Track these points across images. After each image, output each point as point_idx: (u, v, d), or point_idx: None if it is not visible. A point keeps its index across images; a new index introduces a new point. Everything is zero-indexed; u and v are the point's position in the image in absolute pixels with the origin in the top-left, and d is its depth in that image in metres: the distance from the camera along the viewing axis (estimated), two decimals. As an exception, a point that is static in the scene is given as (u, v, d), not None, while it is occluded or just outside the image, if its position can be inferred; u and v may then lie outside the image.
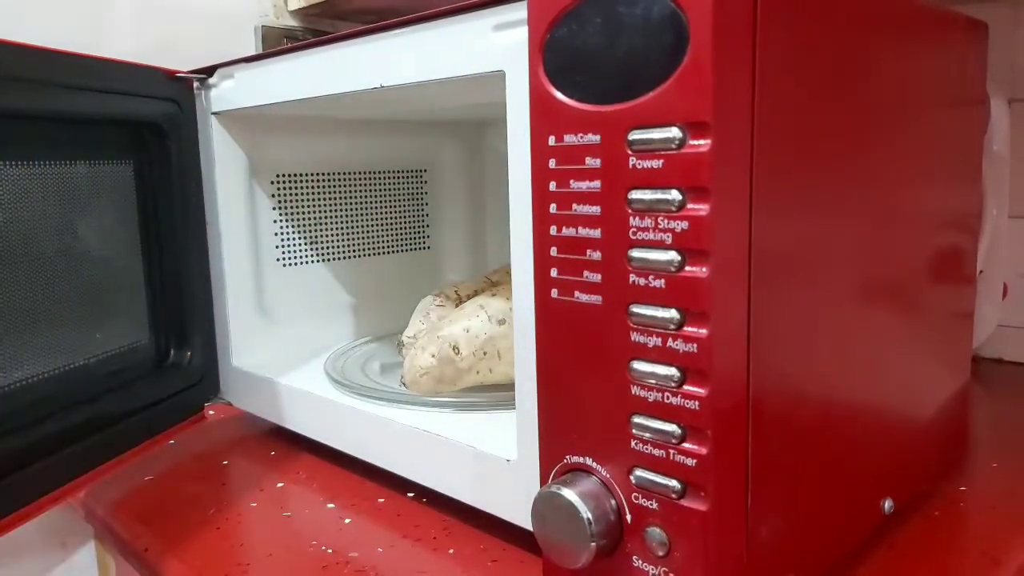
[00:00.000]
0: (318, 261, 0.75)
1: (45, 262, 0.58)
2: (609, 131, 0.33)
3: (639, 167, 0.32)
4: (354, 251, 0.78)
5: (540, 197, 0.36)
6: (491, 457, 0.45)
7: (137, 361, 0.60)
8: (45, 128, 0.58)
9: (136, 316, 0.64)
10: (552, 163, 0.36)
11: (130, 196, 0.63)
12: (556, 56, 0.35)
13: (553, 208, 0.36)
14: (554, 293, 0.36)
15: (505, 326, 0.55)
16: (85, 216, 0.60)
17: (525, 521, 0.39)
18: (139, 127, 0.63)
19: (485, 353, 0.55)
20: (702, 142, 0.30)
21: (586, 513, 0.35)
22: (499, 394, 0.55)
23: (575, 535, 0.35)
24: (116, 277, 0.63)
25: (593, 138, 0.34)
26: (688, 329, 0.32)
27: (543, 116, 0.36)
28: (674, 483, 0.33)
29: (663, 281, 0.32)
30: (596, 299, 0.35)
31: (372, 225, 0.80)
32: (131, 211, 0.64)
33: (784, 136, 0.34)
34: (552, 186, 0.36)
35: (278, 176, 0.71)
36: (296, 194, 0.73)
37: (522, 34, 0.37)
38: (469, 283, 0.68)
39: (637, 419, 0.34)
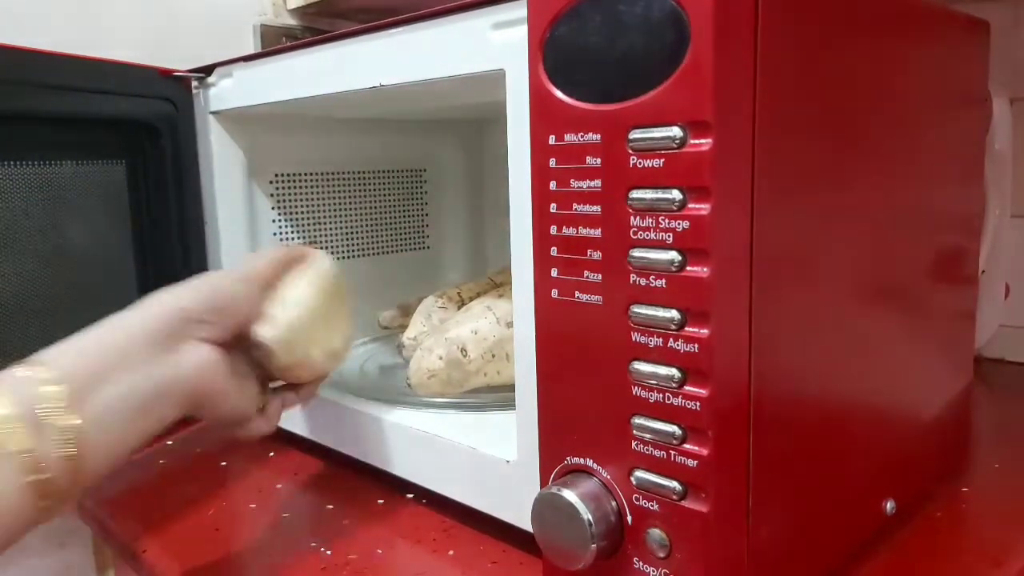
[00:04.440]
0: (317, 261, 0.75)
1: (32, 261, 0.58)
2: (609, 130, 0.33)
3: (640, 166, 0.32)
4: (353, 251, 0.78)
5: (540, 196, 0.36)
6: (491, 458, 0.45)
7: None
8: (33, 128, 0.58)
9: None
10: (552, 162, 0.35)
11: (122, 196, 0.63)
12: (556, 55, 0.35)
13: (553, 207, 0.36)
14: (554, 293, 0.36)
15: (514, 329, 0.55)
16: (73, 216, 0.60)
17: (525, 523, 0.39)
18: (132, 127, 0.63)
19: (494, 355, 0.55)
20: (703, 141, 0.30)
21: (586, 514, 0.35)
22: (499, 394, 0.55)
23: (575, 537, 0.35)
24: (107, 277, 0.63)
25: (593, 137, 0.34)
26: (689, 329, 0.32)
27: (543, 115, 0.36)
28: (675, 484, 0.33)
29: (664, 281, 0.32)
30: (597, 299, 0.35)
31: (371, 225, 0.80)
32: (123, 211, 0.63)
33: (785, 135, 0.34)
34: (552, 185, 0.35)
35: (277, 175, 0.71)
36: (295, 194, 0.73)
37: (522, 32, 0.37)
38: (472, 284, 0.68)
39: (638, 420, 0.34)
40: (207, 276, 0.44)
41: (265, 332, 0.43)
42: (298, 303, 0.45)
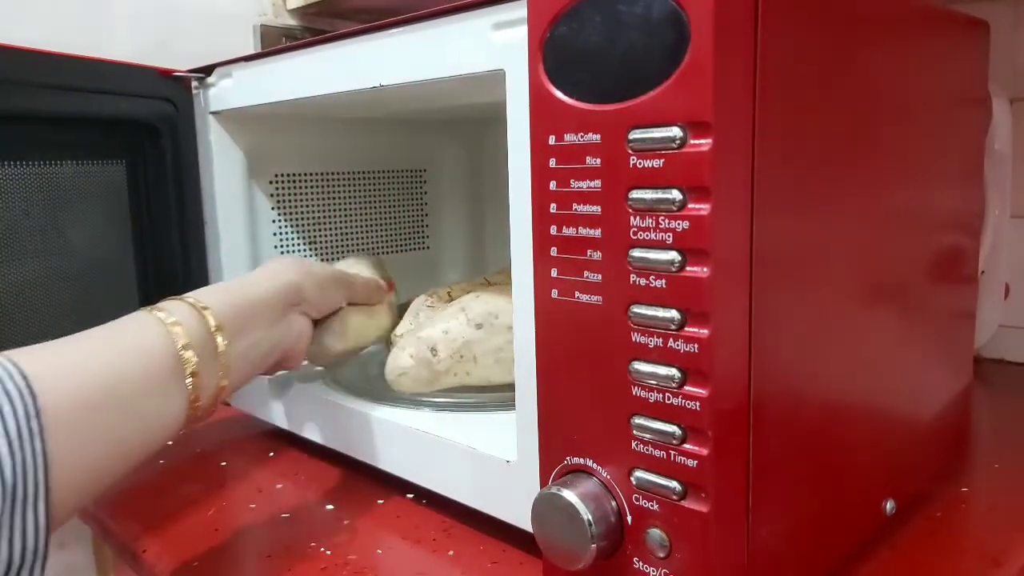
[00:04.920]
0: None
1: (32, 261, 0.58)
2: (609, 130, 0.33)
3: (640, 166, 0.32)
4: (353, 251, 0.78)
5: (540, 196, 0.36)
6: (491, 458, 0.45)
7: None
8: (33, 128, 0.58)
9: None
10: (552, 162, 0.35)
11: (122, 196, 0.63)
12: (556, 55, 0.35)
13: (553, 208, 0.36)
14: (554, 293, 0.36)
15: (482, 331, 0.55)
16: (73, 216, 0.60)
17: (525, 523, 0.39)
18: (132, 127, 0.63)
19: (462, 356, 0.55)
20: (703, 142, 0.30)
21: (586, 514, 0.35)
22: (499, 394, 0.55)
23: (575, 537, 0.35)
24: (107, 277, 0.63)
25: (593, 137, 0.34)
26: (689, 329, 0.32)
27: (543, 115, 0.36)
28: (675, 484, 0.33)
29: (664, 281, 0.32)
30: (596, 299, 0.35)
31: (371, 225, 0.80)
32: (123, 211, 0.63)
33: (785, 136, 0.34)
34: (552, 185, 0.35)
35: (277, 176, 0.71)
36: (295, 194, 0.73)
37: (522, 33, 0.37)
38: (465, 284, 0.68)
39: (637, 420, 0.34)
40: (324, 267, 0.55)
41: (336, 345, 0.55)
42: (362, 335, 0.58)
